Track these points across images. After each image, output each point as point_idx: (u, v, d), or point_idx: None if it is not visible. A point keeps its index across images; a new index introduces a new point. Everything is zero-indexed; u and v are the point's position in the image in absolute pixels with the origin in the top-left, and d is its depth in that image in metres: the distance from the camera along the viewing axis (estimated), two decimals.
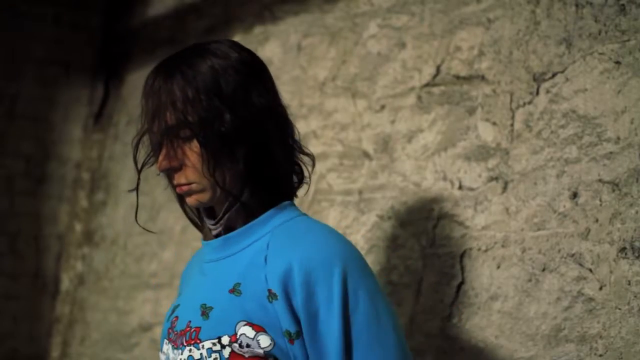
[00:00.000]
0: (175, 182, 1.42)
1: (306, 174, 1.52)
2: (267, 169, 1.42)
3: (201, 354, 1.34)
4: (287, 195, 1.47)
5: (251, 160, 1.39)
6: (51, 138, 3.95)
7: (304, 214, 1.46)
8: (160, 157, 1.40)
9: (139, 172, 1.44)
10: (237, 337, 1.33)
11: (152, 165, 1.46)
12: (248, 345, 1.32)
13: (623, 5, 1.69)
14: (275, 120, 1.43)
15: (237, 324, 1.33)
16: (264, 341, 1.32)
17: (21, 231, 3.85)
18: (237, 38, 2.96)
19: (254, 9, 2.96)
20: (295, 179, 1.49)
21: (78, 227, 3.89)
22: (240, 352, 1.32)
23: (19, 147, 3.87)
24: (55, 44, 3.96)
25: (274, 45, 2.80)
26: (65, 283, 3.80)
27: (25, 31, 3.88)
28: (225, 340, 1.33)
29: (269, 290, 1.33)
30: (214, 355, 1.33)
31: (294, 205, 1.48)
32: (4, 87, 3.84)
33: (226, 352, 1.33)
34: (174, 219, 3.04)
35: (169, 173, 1.43)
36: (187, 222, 1.58)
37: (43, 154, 3.91)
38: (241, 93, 1.39)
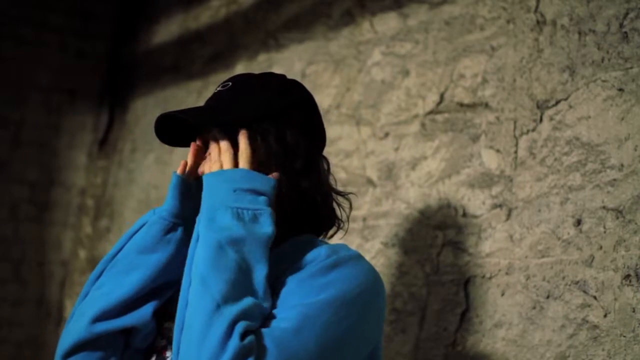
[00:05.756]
0: None
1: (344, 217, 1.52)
2: (299, 203, 1.41)
3: None
4: (312, 231, 1.47)
5: (286, 188, 1.39)
6: (56, 165, 3.97)
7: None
8: (204, 161, 1.43)
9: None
10: None
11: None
12: None
13: (626, 33, 1.70)
14: (317, 167, 1.46)
15: None
16: None
17: (25, 258, 3.85)
18: (242, 65, 2.98)
19: (259, 36, 2.98)
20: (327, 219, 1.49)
21: (82, 253, 3.89)
22: None
23: (23, 174, 3.89)
24: (61, 72, 3.99)
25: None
26: (69, 310, 3.79)
27: (31, 58, 3.92)
28: None
29: None
30: None
31: (317, 238, 1.47)
32: (9, 114, 3.87)
33: None
34: None
35: None
36: None
37: (47, 180, 3.93)
38: (303, 125, 1.43)
